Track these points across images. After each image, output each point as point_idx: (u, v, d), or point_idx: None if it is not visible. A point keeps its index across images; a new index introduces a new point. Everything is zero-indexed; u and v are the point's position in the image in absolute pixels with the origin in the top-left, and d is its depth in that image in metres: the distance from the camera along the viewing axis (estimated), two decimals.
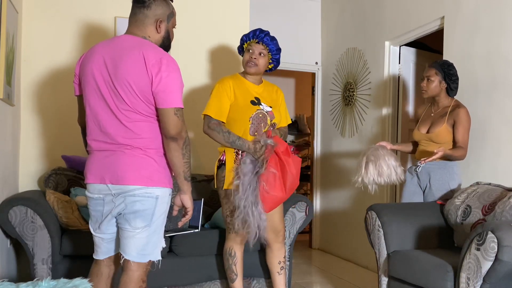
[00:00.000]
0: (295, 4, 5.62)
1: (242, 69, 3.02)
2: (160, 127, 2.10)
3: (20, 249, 3.34)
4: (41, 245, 2.89)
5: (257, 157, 2.78)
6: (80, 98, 2.24)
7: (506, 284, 2.28)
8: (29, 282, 1.92)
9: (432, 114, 3.37)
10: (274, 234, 2.96)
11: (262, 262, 3.22)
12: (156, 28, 2.17)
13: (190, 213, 2.20)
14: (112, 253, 2.26)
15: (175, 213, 2.26)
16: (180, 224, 2.24)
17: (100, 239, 2.23)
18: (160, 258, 2.18)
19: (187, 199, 2.17)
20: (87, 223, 3.11)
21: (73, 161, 3.53)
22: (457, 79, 3.28)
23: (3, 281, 1.95)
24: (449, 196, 3.19)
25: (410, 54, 4.54)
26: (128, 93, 2.04)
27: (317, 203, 5.75)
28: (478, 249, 2.25)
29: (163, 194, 2.13)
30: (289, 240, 3.32)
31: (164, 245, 2.22)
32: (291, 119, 7.70)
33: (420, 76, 4.38)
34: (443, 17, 3.80)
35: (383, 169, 3.08)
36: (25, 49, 3.63)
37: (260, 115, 2.85)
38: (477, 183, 3.11)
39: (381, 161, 3.08)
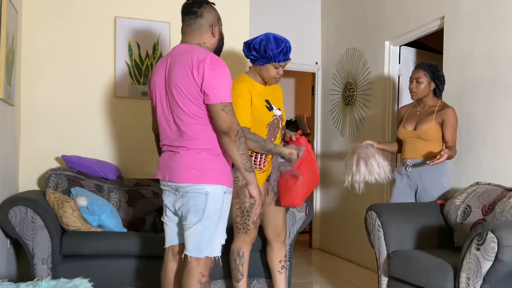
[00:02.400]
0: (295, 4, 5.62)
1: (241, 68, 3.01)
2: (212, 124, 2.21)
3: (20, 249, 3.34)
4: (41, 245, 2.89)
5: (290, 162, 2.81)
6: (154, 109, 2.42)
7: (506, 284, 2.28)
8: (29, 282, 1.92)
9: (418, 113, 3.39)
10: (275, 232, 2.97)
11: (263, 262, 3.22)
12: (212, 33, 2.33)
13: (257, 202, 2.30)
14: (175, 242, 2.41)
15: (247, 204, 2.41)
16: (254, 216, 2.38)
17: (166, 226, 2.41)
18: (218, 254, 2.27)
19: (251, 189, 2.27)
20: (87, 223, 3.12)
21: (73, 161, 3.53)
22: (444, 80, 3.33)
23: (3, 281, 1.96)
24: (443, 193, 3.22)
25: (410, 54, 4.54)
26: (180, 96, 2.18)
27: (317, 203, 5.75)
28: (478, 249, 2.25)
29: (215, 191, 2.20)
30: (289, 240, 3.32)
31: (223, 242, 2.29)
32: (291, 119, 7.73)
33: None
34: (443, 17, 3.80)
35: (374, 168, 3.12)
36: (25, 49, 3.63)
37: (275, 121, 2.85)
38: (477, 183, 3.11)
39: (372, 159, 3.12)
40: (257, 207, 2.33)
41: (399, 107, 3.75)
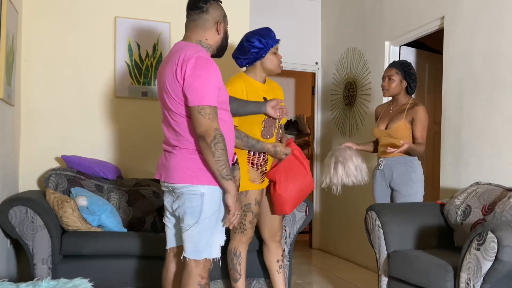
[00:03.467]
0: (295, 4, 5.62)
1: (241, 69, 3.01)
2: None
3: (20, 249, 3.34)
4: (41, 245, 2.89)
5: (277, 157, 2.84)
6: None
7: (506, 284, 2.28)
8: (29, 282, 1.92)
9: (391, 112, 3.47)
10: (271, 233, 2.98)
11: (262, 262, 3.22)
12: (217, 30, 2.28)
13: (232, 212, 2.17)
14: (174, 245, 2.40)
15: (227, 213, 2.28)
16: (226, 224, 2.23)
17: (167, 227, 2.40)
18: (217, 256, 2.24)
19: (227, 198, 2.16)
20: (87, 223, 3.12)
21: (73, 161, 3.53)
22: (416, 78, 3.40)
23: (3, 281, 1.96)
24: (414, 189, 3.27)
25: (410, 54, 4.54)
26: (168, 96, 2.16)
27: (317, 203, 5.75)
28: (478, 249, 2.25)
29: (210, 192, 2.17)
30: (289, 240, 3.32)
31: (222, 243, 2.26)
32: (292, 119, 7.71)
33: (420, 77, 4.38)
34: (443, 17, 3.80)
35: (351, 170, 3.20)
36: (25, 49, 3.63)
37: (272, 118, 2.85)
38: (477, 183, 3.11)
39: (349, 162, 3.20)
40: (232, 217, 2.18)
41: (376, 107, 3.81)
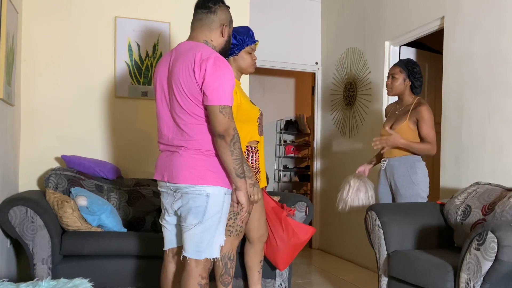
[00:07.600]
0: (295, 4, 5.62)
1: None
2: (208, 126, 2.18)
3: (20, 249, 3.34)
4: (41, 245, 2.89)
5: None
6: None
7: (506, 284, 2.28)
8: (29, 282, 1.92)
9: (397, 112, 3.45)
10: (259, 234, 2.94)
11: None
12: (221, 32, 2.30)
13: (244, 209, 2.26)
14: (174, 245, 2.40)
15: (234, 209, 2.34)
16: (238, 221, 2.29)
17: (165, 228, 2.40)
18: (217, 256, 2.25)
19: (241, 196, 2.23)
20: (87, 223, 3.13)
21: (73, 161, 3.53)
22: (421, 77, 3.37)
23: (3, 281, 1.96)
24: (414, 190, 3.25)
25: (410, 54, 4.54)
26: (181, 94, 2.15)
27: (317, 203, 5.75)
28: (478, 249, 2.25)
29: (215, 192, 2.18)
30: None
31: (223, 244, 2.27)
32: (292, 119, 7.72)
33: None
34: (443, 17, 3.80)
35: (360, 198, 3.40)
36: (25, 49, 3.63)
37: (262, 115, 2.85)
38: (477, 183, 3.11)
39: (361, 193, 3.41)
40: (244, 214, 2.29)
41: (386, 106, 3.80)
